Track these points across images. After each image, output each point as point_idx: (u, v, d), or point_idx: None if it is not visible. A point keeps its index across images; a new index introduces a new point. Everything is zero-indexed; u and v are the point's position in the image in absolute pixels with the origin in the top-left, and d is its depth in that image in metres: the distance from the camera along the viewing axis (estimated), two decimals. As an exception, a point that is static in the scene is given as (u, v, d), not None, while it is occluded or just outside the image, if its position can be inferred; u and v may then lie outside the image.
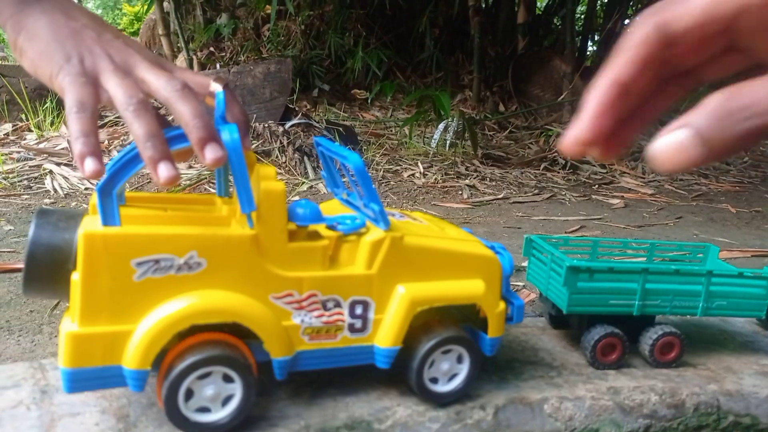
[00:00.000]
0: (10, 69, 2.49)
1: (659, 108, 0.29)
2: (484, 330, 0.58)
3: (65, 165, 1.89)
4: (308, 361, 0.52)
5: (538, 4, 4.19)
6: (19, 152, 1.94)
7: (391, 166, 2.20)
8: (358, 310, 0.53)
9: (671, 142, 0.23)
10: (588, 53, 4.28)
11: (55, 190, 1.69)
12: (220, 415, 0.48)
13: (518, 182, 2.25)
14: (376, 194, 0.52)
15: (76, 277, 0.44)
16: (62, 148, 1.98)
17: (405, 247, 0.53)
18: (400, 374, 0.56)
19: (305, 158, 2.05)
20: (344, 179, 0.64)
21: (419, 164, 2.24)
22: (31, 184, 1.74)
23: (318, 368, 0.53)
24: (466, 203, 1.91)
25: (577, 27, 3.99)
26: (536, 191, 2.14)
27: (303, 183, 1.92)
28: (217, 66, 2.84)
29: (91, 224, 0.44)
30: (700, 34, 0.26)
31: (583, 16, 4.17)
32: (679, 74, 0.28)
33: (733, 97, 0.22)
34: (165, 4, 3.09)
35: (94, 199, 0.45)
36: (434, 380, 0.56)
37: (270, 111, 2.11)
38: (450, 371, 0.56)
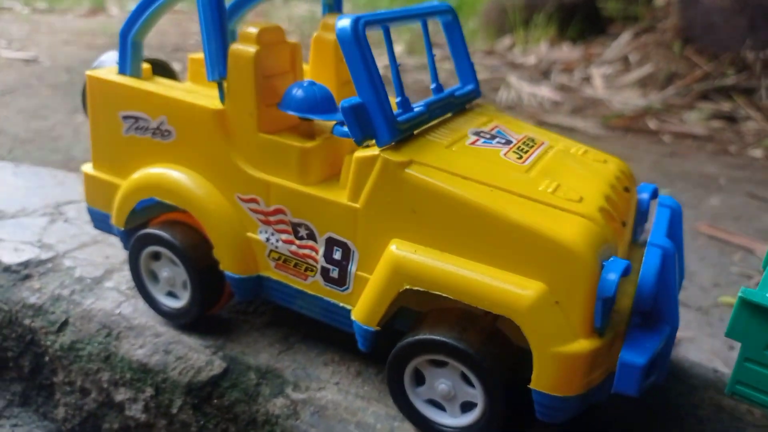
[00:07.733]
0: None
1: None
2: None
3: (526, 80, 1.93)
4: (276, 294, 0.40)
5: None
6: (493, 63, 2.08)
7: None
8: (336, 254, 0.36)
9: None
10: None
11: (503, 102, 1.75)
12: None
13: None
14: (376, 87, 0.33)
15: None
16: (531, 64, 2.02)
17: (408, 183, 0.33)
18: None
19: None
20: None
21: None
22: (487, 93, 1.86)
23: (289, 308, 0.40)
24: None
25: None
26: None
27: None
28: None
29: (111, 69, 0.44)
30: None
31: None
32: None
33: None
34: None
35: None
36: (437, 405, 0.35)
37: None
38: (453, 396, 0.34)
